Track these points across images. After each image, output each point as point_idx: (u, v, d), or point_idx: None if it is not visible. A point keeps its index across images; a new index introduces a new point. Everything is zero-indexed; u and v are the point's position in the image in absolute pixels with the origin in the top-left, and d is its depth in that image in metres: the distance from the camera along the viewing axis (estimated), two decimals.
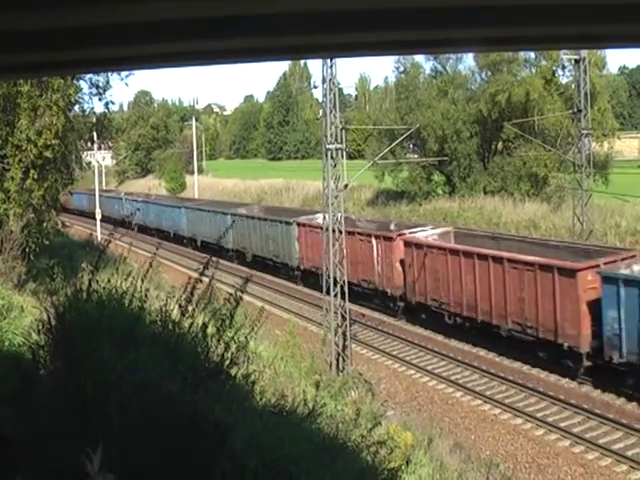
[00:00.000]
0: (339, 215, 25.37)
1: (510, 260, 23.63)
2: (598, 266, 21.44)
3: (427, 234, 29.63)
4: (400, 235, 29.69)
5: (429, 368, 24.39)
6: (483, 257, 24.67)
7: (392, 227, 32.41)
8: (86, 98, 23.84)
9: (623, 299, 19.42)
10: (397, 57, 52.19)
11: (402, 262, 28.92)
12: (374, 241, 30.31)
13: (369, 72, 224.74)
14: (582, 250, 25.03)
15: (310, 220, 36.02)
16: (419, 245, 27.85)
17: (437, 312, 27.09)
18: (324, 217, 26.03)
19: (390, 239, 29.68)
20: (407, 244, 28.56)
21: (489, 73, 50.31)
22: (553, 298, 21.83)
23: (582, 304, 20.98)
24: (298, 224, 36.44)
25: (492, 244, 27.29)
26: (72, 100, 21.90)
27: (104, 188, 52.49)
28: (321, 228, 30.67)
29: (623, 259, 22.21)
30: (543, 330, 22.29)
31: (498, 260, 24.00)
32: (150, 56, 5.17)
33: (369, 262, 30.53)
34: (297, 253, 36.32)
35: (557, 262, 22.52)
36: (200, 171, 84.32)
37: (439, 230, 30.74)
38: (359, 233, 31.46)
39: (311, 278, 33.98)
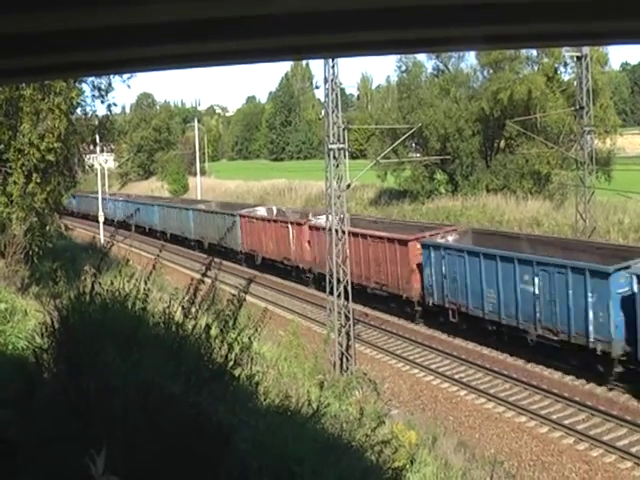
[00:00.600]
0: (340, 215, 25.36)
1: (371, 236, 30.79)
2: (424, 237, 28.48)
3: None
4: (307, 222, 36.56)
5: (433, 367, 24.38)
6: (355, 235, 30.61)
7: (310, 216, 38.16)
8: (88, 101, 23.89)
9: (433, 260, 26.72)
10: (399, 56, 52.13)
11: (309, 242, 35.73)
12: (290, 227, 37.38)
13: (371, 72, 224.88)
14: (424, 227, 32.66)
15: (250, 212, 43.27)
16: (317, 228, 34.18)
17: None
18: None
19: (300, 225, 36.80)
20: (311, 228, 35.67)
21: (491, 71, 50.22)
22: (396, 263, 28.93)
23: (413, 265, 28.23)
24: (240, 216, 42.92)
25: (374, 226, 34.24)
26: (74, 103, 21.92)
27: (92, 190, 55.08)
28: (256, 218, 41.44)
29: (445, 232, 29.22)
30: (392, 287, 29.53)
31: (364, 236, 31.04)
32: (151, 58, 5.16)
33: (285, 244, 37.60)
34: (240, 239, 42.50)
35: (396, 235, 29.78)
36: (203, 172, 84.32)
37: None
38: (281, 221, 39.09)
39: (250, 259, 41.20)
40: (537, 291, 22.12)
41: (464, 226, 34.27)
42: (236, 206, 49.68)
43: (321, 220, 34.70)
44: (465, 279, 25.21)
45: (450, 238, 28.13)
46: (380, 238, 30.03)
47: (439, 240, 27.73)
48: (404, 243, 28.61)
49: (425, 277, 27.27)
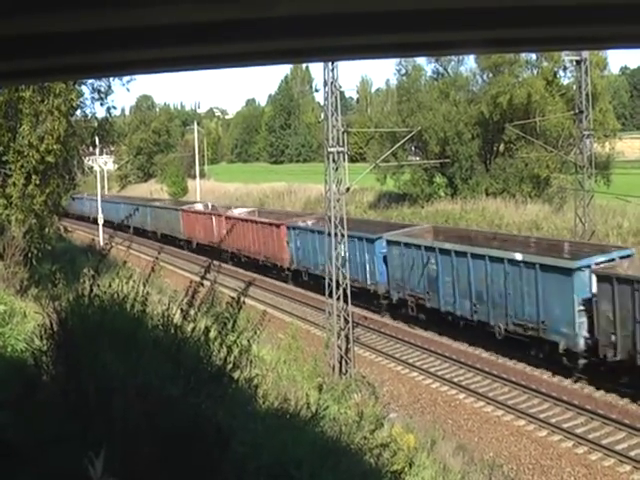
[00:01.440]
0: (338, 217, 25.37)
1: (258, 222, 41.95)
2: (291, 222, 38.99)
3: (240, 211, 47.62)
4: (224, 213, 46.83)
5: (432, 370, 24.37)
6: (251, 221, 42.58)
7: (232, 209, 49.20)
8: (88, 103, 23.90)
9: (292, 237, 37.22)
10: (398, 60, 52.16)
11: (226, 229, 44.00)
12: (213, 218, 47.59)
13: (371, 75, 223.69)
14: (296, 215, 44.13)
15: (189, 208, 54.59)
16: (230, 218, 44.72)
17: (239, 257, 43.37)
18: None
19: (220, 216, 46.65)
20: (227, 218, 45.26)
21: (490, 75, 50.23)
22: (274, 240, 39.07)
23: (284, 243, 38.22)
24: (182, 210, 54.19)
25: (273, 216, 44.04)
26: (74, 105, 21.90)
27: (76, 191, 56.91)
28: (192, 212, 52.50)
29: (306, 218, 39.96)
30: (273, 258, 39.79)
31: (255, 222, 42.22)
32: (151, 60, 5.16)
33: (210, 231, 46.90)
34: (182, 229, 53.46)
35: (273, 221, 40.37)
36: (202, 175, 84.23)
37: (247, 209, 49.25)
38: (208, 213, 49.95)
39: (189, 244, 51.29)
40: (344, 254, 29.74)
41: (321, 213, 42.67)
42: (180, 203, 60.99)
43: (235, 212, 47.37)
44: (308, 249, 35.78)
45: (309, 222, 38.24)
46: (264, 224, 40.95)
47: (299, 223, 38.61)
48: (278, 226, 39.00)
49: (291, 250, 37.53)
